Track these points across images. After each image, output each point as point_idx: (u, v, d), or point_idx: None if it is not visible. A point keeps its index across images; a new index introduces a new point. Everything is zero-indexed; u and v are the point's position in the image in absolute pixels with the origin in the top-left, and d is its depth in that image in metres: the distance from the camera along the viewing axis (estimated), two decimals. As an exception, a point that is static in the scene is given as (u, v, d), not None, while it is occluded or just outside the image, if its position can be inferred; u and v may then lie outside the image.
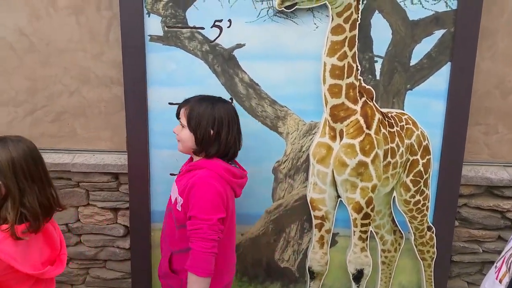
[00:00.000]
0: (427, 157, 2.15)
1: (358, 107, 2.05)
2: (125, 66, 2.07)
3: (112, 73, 2.25)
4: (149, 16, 2.03)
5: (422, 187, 2.18)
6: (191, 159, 1.81)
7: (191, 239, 1.57)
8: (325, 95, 2.03)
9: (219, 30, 2.03)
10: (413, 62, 2.07)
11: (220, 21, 2.02)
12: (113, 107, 2.30)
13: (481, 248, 2.43)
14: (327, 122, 2.08)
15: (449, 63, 2.06)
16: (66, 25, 2.20)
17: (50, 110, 2.32)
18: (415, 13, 2.01)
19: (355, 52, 1.99)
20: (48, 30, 2.21)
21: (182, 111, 1.70)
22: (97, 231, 2.42)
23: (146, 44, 2.04)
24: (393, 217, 2.24)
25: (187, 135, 1.67)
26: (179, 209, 1.66)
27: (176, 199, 1.70)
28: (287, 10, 1.96)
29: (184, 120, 1.69)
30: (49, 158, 2.30)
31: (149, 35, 2.05)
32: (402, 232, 2.26)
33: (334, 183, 2.14)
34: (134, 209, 2.25)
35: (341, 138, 2.07)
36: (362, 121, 2.05)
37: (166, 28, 2.04)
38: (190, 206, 1.59)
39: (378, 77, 2.08)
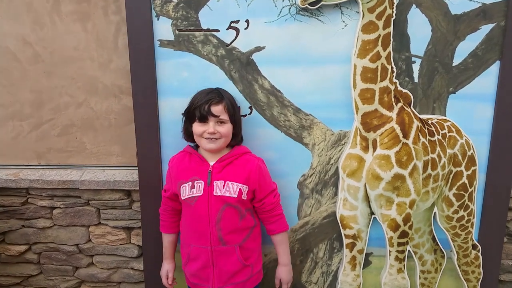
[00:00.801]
0: (473, 168, 1.91)
1: (393, 114, 1.82)
2: (133, 74, 1.89)
3: (121, 82, 2.09)
4: (158, 19, 1.85)
5: (466, 202, 1.94)
6: (196, 158, 1.76)
7: (278, 207, 1.80)
8: (355, 101, 1.82)
9: (235, 32, 1.84)
10: (456, 61, 1.84)
11: (237, 22, 1.83)
12: (123, 119, 2.14)
13: (533, 266, 2.18)
14: (358, 132, 1.86)
15: (498, 62, 1.82)
16: (71, 32, 2.05)
17: (57, 123, 2.17)
18: (458, 6, 1.77)
19: (389, 52, 1.77)
20: (53, 38, 2.06)
21: (220, 108, 1.67)
22: (110, 252, 2.27)
23: (155, 50, 1.87)
24: (433, 235, 2.01)
25: (229, 129, 1.71)
26: (245, 197, 1.72)
27: (235, 192, 1.71)
28: (311, 7, 1.75)
29: (225, 115, 1.68)
30: (56, 175, 2.16)
31: (159, 40, 1.87)
32: (444, 251, 2.03)
33: (366, 198, 1.92)
34: (147, 228, 2.08)
35: (374, 149, 1.85)
36: (398, 130, 1.83)
37: (177, 32, 1.85)
38: (266, 184, 1.76)
39: (416, 80, 1.85)
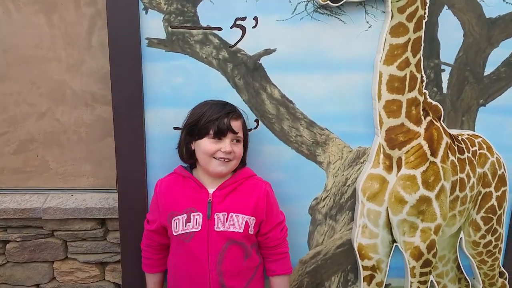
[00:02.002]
0: (503, 188, 1.75)
1: (421, 129, 1.62)
2: (114, 80, 1.59)
3: (94, 88, 1.82)
4: (146, 13, 1.55)
5: (494, 225, 1.77)
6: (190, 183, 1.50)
7: (283, 244, 1.58)
8: (380, 114, 1.60)
9: (241, 32, 1.58)
10: (487, 70, 1.68)
11: (243, 19, 1.57)
12: (97, 132, 1.86)
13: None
14: (382, 149, 1.64)
15: (534, 72, 1.66)
16: (32, 26, 1.74)
17: (12, 138, 1.84)
18: (493, 8, 1.61)
19: (419, 59, 1.57)
20: (7, 33, 1.72)
21: (239, 124, 1.47)
22: (79, 292, 1.91)
23: (142, 50, 1.58)
24: (458, 262, 1.82)
25: (242, 150, 1.50)
26: (252, 231, 1.49)
27: (240, 226, 1.47)
28: (332, 5, 1.52)
29: (241, 133, 1.48)
30: (11, 202, 1.83)
31: (147, 38, 1.57)
32: (469, 280, 1.85)
33: (388, 224, 1.70)
34: (128, 263, 1.76)
35: (399, 168, 1.64)
36: (426, 147, 1.63)
37: (170, 29, 1.56)
38: (273, 215, 1.54)
39: (445, 90, 1.66)
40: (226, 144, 1.40)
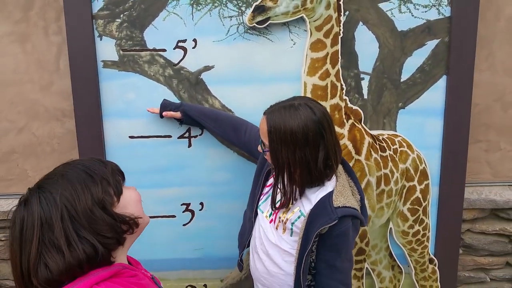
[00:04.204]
0: (425, 182, 1.92)
1: (345, 131, 1.81)
2: (75, 97, 1.80)
3: (64, 105, 1.99)
4: (101, 40, 1.78)
5: (421, 216, 1.94)
6: None
7: None
8: (307, 120, 1.78)
9: (183, 52, 1.79)
10: (404, 77, 1.85)
11: (184, 41, 1.78)
12: (67, 143, 2.03)
13: (488, 276, 2.22)
14: (312, 150, 1.82)
15: (444, 77, 1.84)
16: (9, 54, 1.93)
17: None
18: (404, 22, 1.79)
19: (338, 70, 1.77)
20: None
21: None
22: (57, 285, 2.12)
23: (99, 71, 1.80)
24: (390, 251, 1.99)
25: None
26: None
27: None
28: (259, 26, 1.73)
29: None
30: None
31: (102, 61, 1.79)
32: (401, 267, 2.02)
33: (323, 217, 1.88)
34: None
35: (328, 166, 1.83)
36: (350, 146, 1.82)
37: (121, 52, 1.78)
38: None
39: (365, 96, 1.85)
40: None
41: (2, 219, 2.02)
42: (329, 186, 1.33)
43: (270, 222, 1.45)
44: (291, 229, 1.37)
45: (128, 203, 0.94)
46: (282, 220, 1.40)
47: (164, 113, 1.76)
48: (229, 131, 1.73)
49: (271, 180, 1.50)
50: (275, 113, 1.31)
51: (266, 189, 1.54)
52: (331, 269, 1.33)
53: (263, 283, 1.50)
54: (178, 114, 1.76)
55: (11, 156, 2.05)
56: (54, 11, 1.90)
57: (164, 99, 1.78)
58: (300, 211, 1.36)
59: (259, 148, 1.41)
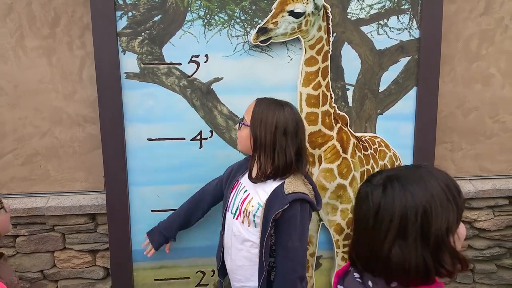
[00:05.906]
0: (401, 176, 2.25)
1: (334, 133, 2.13)
2: (101, 104, 2.04)
3: (85, 112, 2.22)
4: (124, 54, 2.03)
5: (398, 206, 2.26)
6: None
7: None
8: (302, 123, 2.09)
9: (196, 65, 2.06)
10: (381, 88, 2.19)
11: (197, 56, 2.06)
12: (87, 146, 2.25)
13: (453, 258, 2.55)
14: (306, 149, 2.13)
15: (415, 88, 2.19)
16: (36, 66, 2.15)
17: (21, 153, 2.23)
18: (381, 43, 2.13)
19: (328, 81, 2.08)
20: (17, 72, 2.14)
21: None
22: (75, 275, 2.33)
23: (122, 82, 2.04)
24: (373, 236, 2.30)
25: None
26: None
27: None
28: (262, 44, 2.03)
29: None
30: (20, 203, 2.21)
31: (125, 73, 2.04)
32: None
33: (315, 207, 2.18)
34: (115, 250, 2.18)
35: (320, 163, 2.14)
36: (338, 146, 2.13)
37: (142, 65, 2.04)
38: None
39: (350, 104, 2.18)
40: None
41: (26, 215, 2.21)
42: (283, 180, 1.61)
43: (237, 218, 1.69)
44: (254, 221, 1.64)
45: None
46: (245, 213, 1.65)
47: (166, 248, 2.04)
48: (207, 200, 1.97)
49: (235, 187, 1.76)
50: (265, 100, 1.65)
51: (232, 193, 1.77)
52: (284, 249, 1.57)
53: (238, 280, 1.73)
54: (169, 243, 2.03)
55: (35, 158, 2.24)
56: (78, 28, 2.14)
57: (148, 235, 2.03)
58: (258, 203, 1.62)
59: (237, 126, 1.66)
